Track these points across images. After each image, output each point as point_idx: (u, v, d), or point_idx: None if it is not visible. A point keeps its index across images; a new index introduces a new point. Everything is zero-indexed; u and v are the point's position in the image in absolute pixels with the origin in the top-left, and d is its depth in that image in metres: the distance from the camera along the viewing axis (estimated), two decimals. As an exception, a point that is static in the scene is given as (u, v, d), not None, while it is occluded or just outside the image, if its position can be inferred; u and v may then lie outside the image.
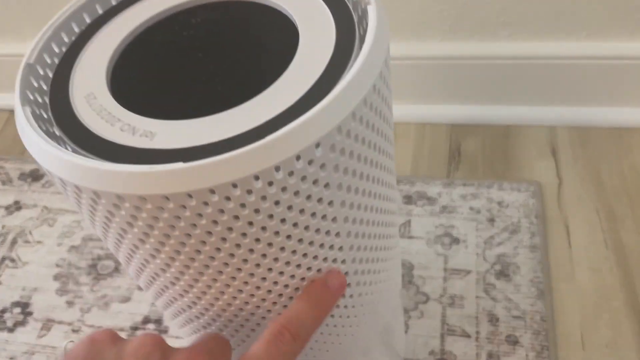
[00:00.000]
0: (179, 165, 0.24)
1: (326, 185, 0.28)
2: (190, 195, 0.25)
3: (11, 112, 0.91)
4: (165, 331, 0.63)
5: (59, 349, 0.64)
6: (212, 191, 0.25)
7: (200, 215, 0.26)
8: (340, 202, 0.29)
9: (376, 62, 0.27)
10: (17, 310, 0.68)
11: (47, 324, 0.66)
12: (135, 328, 0.64)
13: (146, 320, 0.65)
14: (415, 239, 0.67)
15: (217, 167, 0.24)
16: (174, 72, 0.37)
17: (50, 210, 0.77)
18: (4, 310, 0.68)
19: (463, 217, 0.68)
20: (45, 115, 0.30)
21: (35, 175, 0.82)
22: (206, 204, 0.25)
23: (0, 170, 0.83)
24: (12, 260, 0.73)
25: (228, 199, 0.25)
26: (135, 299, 0.67)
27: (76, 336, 0.65)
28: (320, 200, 0.28)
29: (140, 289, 0.67)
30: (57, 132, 0.28)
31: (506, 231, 0.66)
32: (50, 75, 0.32)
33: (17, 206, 0.78)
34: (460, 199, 0.69)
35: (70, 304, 0.67)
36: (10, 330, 0.66)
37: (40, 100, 0.31)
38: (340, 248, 0.32)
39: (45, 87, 0.32)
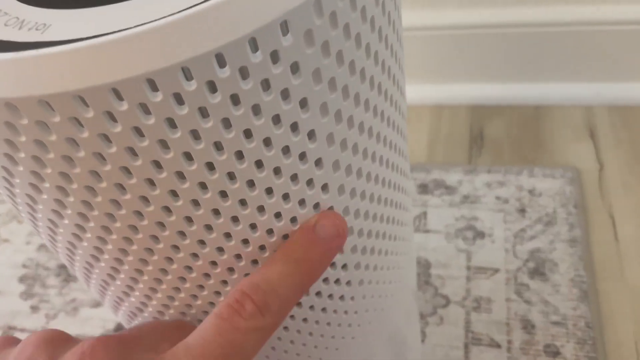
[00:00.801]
0: (80, 44, 0.15)
1: (303, 104, 0.19)
2: (84, 101, 0.16)
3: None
4: (140, 340, 0.54)
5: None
6: (118, 94, 0.16)
7: (107, 138, 0.17)
8: (327, 136, 0.20)
9: None
10: (-24, 316, 0.59)
11: (8, 332, 0.57)
12: (105, 337, 0.55)
13: (119, 328, 0.56)
14: (432, 233, 0.57)
15: (127, 49, 0.15)
16: None
17: (21, 206, 0.69)
18: (-40, 317, 0.59)
19: (488, 207, 0.58)
20: None
21: (8, 168, 0.74)
22: (112, 117, 0.16)
23: (-29, 163, 0.75)
24: (-25, 260, 0.64)
25: (145, 108, 0.16)
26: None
27: (38, 346, 0.56)
28: (295, 127, 0.19)
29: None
30: None
31: (540, 223, 0.56)
32: None
33: (-15, 201, 0.70)
34: (485, 187, 0.60)
35: (34, 309, 0.59)
36: (-34, 339, 0.58)
37: None
38: (341, 188, 0.23)
39: None
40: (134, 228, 0.20)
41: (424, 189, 0.61)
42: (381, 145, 0.24)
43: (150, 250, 0.22)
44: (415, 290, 0.42)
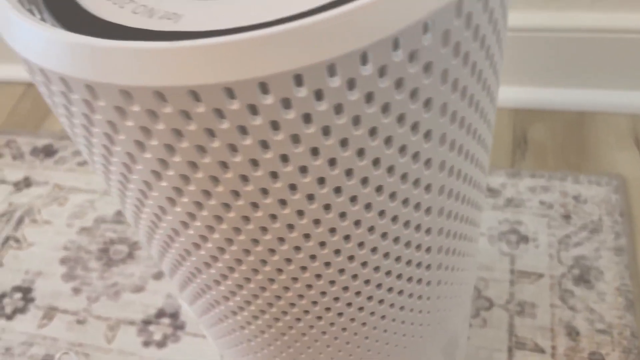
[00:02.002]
0: (232, 37, 0.15)
1: (427, 103, 0.19)
2: (231, 92, 0.16)
3: (27, 85, 0.85)
4: (182, 327, 0.55)
5: (59, 342, 0.56)
6: (264, 87, 0.16)
7: (244, 130, 0.17)
8: (440, 137, 0.20)
9: None
10: (18, 295, 0.60)
11: (50, 313, 0.58)
12: (147, 322, 0.56)
13: (160, 314, 0.56)
14: (476, 234, 0.57)
15: (275, 46, 0.15)
16: None
17: (62, 189, 0.70)
18: (3, 295, 0.60)
19: (532, 212, 0.58)
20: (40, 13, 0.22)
21: (49, 151, 0.74)
22: (254, 110, 0.17)
23: (11, 144, 0.76)
24: (17, 240, 0.65)
25: (287, 104, 0.16)
26: (150, 289, 0.58)
27: (81, 328, 0.56)
28: (415, 126, 0.19)
29: (154, 277, 0.59)
30: (46, 17, 0.20)
31: (585, 230, 0.56)
32: None
33: (26, 183, 0.71)
34: (529, 192, 0.60)
35: (76, 291, 0.59)
36: (9, 317, 0.59)
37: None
38: (428, 210, 0.23)
39: None
40: (240, 225, 0.21)
41: (466, 190, 0.61)
42: (475, 142, 0.24)
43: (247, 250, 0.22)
44: (472, 293, 0.42)
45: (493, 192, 0.60)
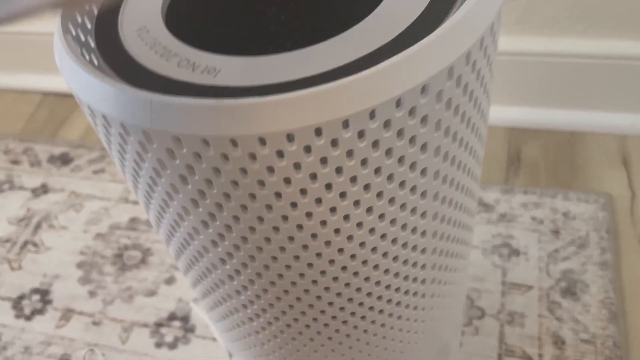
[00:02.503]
0: (258, 99, 0.19)
1: (423, 147, 0.22)
2: (263, 141, 0.20)
3: (44, 94, 0.89)
4: (192, 330, 0.58)
5: (76, 342, 0.59)
6: (290, 137, 0.20)
7: (271, 169, 0.21)
8: (434, 172, 0.24)
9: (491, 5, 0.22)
10: (36, 297, 0.64)
11: (67, 314, 0.62)
12: (159, 324, 0.59)
13: (172, 317, 0.60)
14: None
15: (299, 105, 0.19)
16: (237, 6, 0.32)
17: (78, 196, 0.73)
18: (22, 297, 0.64)
19: (524, 227, 0.62)
20: (88, 55, 0.26)
21: (65, 159, 0.78)
22: (281, 154, 0.20)
23: (29, 152, 0.80)
24: (35, 244, 0.69)
25: (308, 149, 0.20)
26: (162, 293, 0.62)
27: (97, 329, 0.60)
28: (413, 165, 0.23)
29: (166, 282, 0.62)
30: (104, 68, 0.24)
31: (573, 245, 0.59)
32: (95, 12, 0.28)
33: (44, 189, 0.75)
34: (521, 208, 0.63)
35: (92, 294, 0.63)
36: (28, 318, 0.62)
37: (83, 38, 0.27)
38: (423, 233, 0.27)
39: (89, 25, 0.27)
40: (262, 245, 0.24)
41: (462, 205, 0.64)
42: (468, 179, 0.27)
43: (267, 266, 0.25)
44: (464, 304, 0.45)
45: (487, 207, 0.64)
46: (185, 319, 0.59)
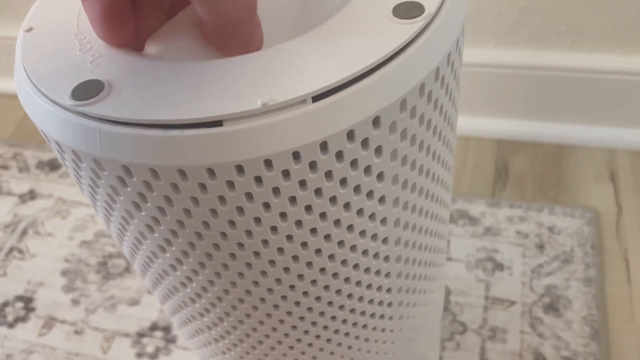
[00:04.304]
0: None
1: (379, 176, 0.22)
2: (212, 172, 0.19)
3: (36, 99, 0.88)
4: (173, 341, 0.58)
5: (57, 351, 0.59)
6: (240, 168, 0.19)
7: (222, 199, 0.20)
8: (393, 200, 0.24)
9: (455, 21, 0.22)
10: (20, 304, 0.63)
11: (49, 322, 0.61)
12: (141, 334, 0.59)
13: (154, 327, 0.59)
14: (454, 261, 0.60)
15: (249, 137, 0.19)
16: None
17: (65, 202, 0.73)
18: (5, 304, 0.64)
19: (509, 241, 0.61)
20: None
21: (54, 165, 0.78)
22: (231, 184, 0.20)
23: (18, 157, 0.80)
24: (20, 251, 0.69)
25: (259, 180, 0.20)
26: (145, 302, 0.62)
27: (78, 338, 0.60)
28: (370, 194, 0.23)
29: (149, 292, 0.62)
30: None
31: (557, 260, 0.59)
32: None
33: (31, 195, 0.75)
34: (506, 221, 0.63)
35: (75, 302, 0.63)
36: (10, 325, 0.62)
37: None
38: (386, 258, 0.27)
39: None
40: (220, 270, 0.24)
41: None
42: (434, 204, 0.27)
43: (226, 290, 0.25)
44: (441, 317, 0.45)
45: (473, 220, 0.64)
46: (167, 329, 0.59)
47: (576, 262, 0.59)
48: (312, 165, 0.20)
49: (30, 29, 0.24)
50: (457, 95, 0.26)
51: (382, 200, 0.23)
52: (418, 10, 0.20)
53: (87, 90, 0.20)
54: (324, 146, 0.20)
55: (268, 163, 0.19)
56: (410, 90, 0.20)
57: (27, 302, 0.64)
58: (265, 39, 0.23)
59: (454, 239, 0.62)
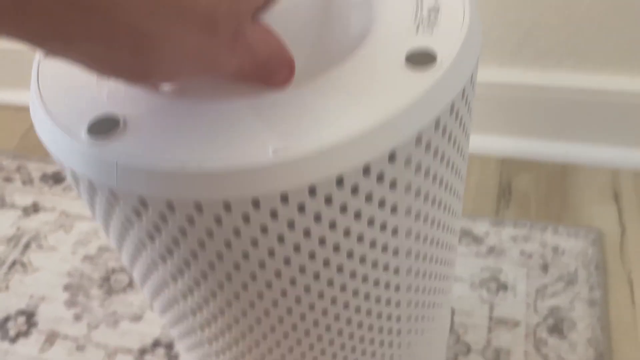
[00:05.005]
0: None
1: (393, 209, 0.22)
2: (227, 205, 0.20)
3: (41, 111, 0.89)
4: (176, 357, 0.58)
5: (60, 367, 0.59)
6: (256, 202, 0.19)
7: (237, 231, 0.21)
8: (406, 231, 0.24)
9: (470, 61, 0.22)
10: (22, 319, 0.63)
11: (51, 338, 0.61)
12: (143, 351, 0.59)
13: (156, 344, 0.59)
14: (458, 281, 0.60)
15: (264, 173, 0.19)
16: None
17: (68, 216, 0.73)
18: (7, 318, 0.63)
19: (513, 261, 0.61)
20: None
21: (57, 178, 0.78)
22: (246, 218, 0.20)
23: (22, 169, 0.80)
24: (23, 265, 0.68)
25: (274, 214, 0.20)
26: (147, 318, 0.61)
27: (80, 354, 0.59)
28: (383, 226, 0.23)
29: (151, 307, 0.62)
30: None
31: (561, 281, 0.59)
32: None
33: (35, 208, 0.74)
34: (510, 241, 0.63)
35: (77, 317, 0.63)
36: (12, 340, 0.62)
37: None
38: (397, 287, 0.27)
39: None
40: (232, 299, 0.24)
41: (452, 236, 0.64)
42: (445, 233, 0.27)
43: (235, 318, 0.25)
44: (447, 337, 0.45)
45: (477, 239, 0.64)
46: (169, 346, 0.59)
47: (580, 283, 0.58)
48: (328, 199, 0.20)
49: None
50: (470, 125, 0.26)
51: (395, 231, 0.23)
52: (431, 59, 0.20)
53: (103, 126, 0.20)
54: (339, 181, 0.20)
55: (284, 198, 0.19)
56: (425, 126, 0.20)
57: (29, 316, 0.63)
58: None
59: (458, 258, 0.62)
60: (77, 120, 0.21)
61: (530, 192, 0.68)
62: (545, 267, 0.60)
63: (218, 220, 0.20)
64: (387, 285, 0.26)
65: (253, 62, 0.21)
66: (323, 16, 0.27)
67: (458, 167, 0.26)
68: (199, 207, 0.20)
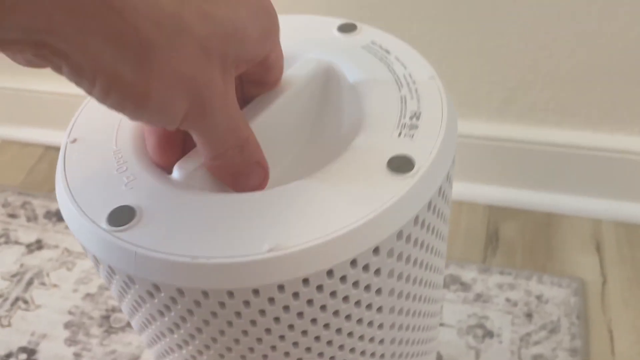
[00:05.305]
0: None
1: (378, 291, 0.25)
2: (231, 293, 0.22)
3: (46, 148, 0.92)
4: (172, 399, 0.60)
5: (59, 405, 0.60)
6: (256, 291, 0.22)
7: (239, 314, 0.23)
8: (390, 308, 0.27)
9: (445, 161, 0.25)
10: (23, 356, 0.65)
11: (51, 376, 0.63)
12: (141, 391, 0.61)
13: (153, 384, 0.61)
14: (446, 327, 0.63)
15: (261, 267, 0.22)
16: None
17: (70, 253, 0.75)
18: (9, 355, 0.65)
19: (498, 308, 0.64)
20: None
21: (61, 216, 0.80)
22: (247, 303, 0.23)
23: (27, 206, 0.83)
24: (25, 301, 0.71)
25: (272, 300, 0.23)
26: (145, 358, 0.63)
27: (79, 393, 0.61)
28: (369, 306, 0.25)
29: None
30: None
31: (545, 329, 0.61)
32: None
33: (38, 245, 0.77)
34: (497, 288, 0.65)
35: (77, 356, 0.64)
36: (13, 377, 0.63)
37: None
38: (382, 356, 0.29)
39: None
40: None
41: (441, 282, 0.67)
42: (426, 304, 0.30)
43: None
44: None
45: (464, 286, 0.66)
46: (166, 386, 0.61)
47: (563, 332, 0.61)
48: (319, 288, 0.23)
49: (74, 140, 0.28)
50: (448, 212, 0.29)
51: (379, 309, 0.26)
52: (409, 166, 0.24)
53: (122, 216, 0.23)
54: (329, 272, 0.23)
55: (280, 288, 0.22)
56: (405, 223, 0.23)
57: (30, 354, 0.65)
58: (276, 160, 0.26)
59: (447, 304, 0.65)
60: (99, 211, 0.24)
61: (517, 240, 0.71)
62: (529, 315, 0.63)
63: (222, 304, 0.23)
64: (372, 355, 0.28)
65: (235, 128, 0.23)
66: (319, 109, 0.30)
67: (438, 249, 0.28)
68: (205, 294, 0.22)
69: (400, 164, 0.24)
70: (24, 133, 0.93)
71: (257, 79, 0.26)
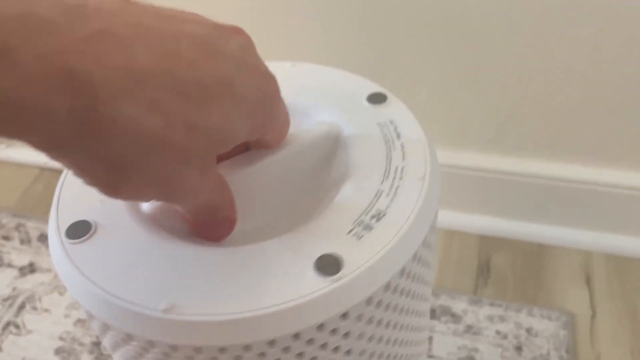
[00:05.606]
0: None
1: (347, 352, 0.25)
2: (223, 349, 0.23)
3: (41, 169, 0.92)
4: None
5: None
6: (222, 349, 0.22)
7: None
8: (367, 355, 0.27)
9: (423, 225, 0.25)
10: (12, 382, 0.65)
11: (39, 403, 0.63)
12: (128, 421, 0.61)
13: (141, 413, 0.61)
14: (436, 358, 0.63)
15: (228, 329, 0.22)
16: None
17: (63, 277, 0.76)
18: (-2, 381, 0.65)
19: (488, 340, 0.64)
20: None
21: (55, 238, 0.81)
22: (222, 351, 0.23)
23: (20, 228, 0.83)
24: (17, 326, 0.71)
25: (238, 358, 0.23)
26: (134, 387, 0.63)
27: (66, 421, 0.61)
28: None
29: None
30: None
31: (533, 363, 0.61)
32: None
33: (31, 268, 0.77)
34: (487, 320, 0.65)
35: (66, 383, 0.64)
36: (1, 404, 0.63)
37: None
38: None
39: None
40: None
41: (432, 313, 0.67)
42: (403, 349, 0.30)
43: None
44: None
45: (455, 317, 0.66)
46: (153, 416, 0.61)
47: (551, 366, 0.61)
48: (286, 349, 0.23)
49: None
50: (429, 274, 0.29)
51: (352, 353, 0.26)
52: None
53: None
54: (296, 335, 0.23)
55: (247, 348, 0.23)
56: (376, 290, 0.23)
57: (19, 380, 0.65)
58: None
59: (437, 336, 0.65)
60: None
61: (508, 271, 0.71)
62: (519, 349, 0.63)
63: (198, 350, 0.23)
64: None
65: (210, 200, 0.24)
66: (320, 166, 0.30)
67: (417, 309, 0.29)
68: (174, 347, 0.23)
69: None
70: (19, 154, 0.94)
71: (255, 141, 0.27)
